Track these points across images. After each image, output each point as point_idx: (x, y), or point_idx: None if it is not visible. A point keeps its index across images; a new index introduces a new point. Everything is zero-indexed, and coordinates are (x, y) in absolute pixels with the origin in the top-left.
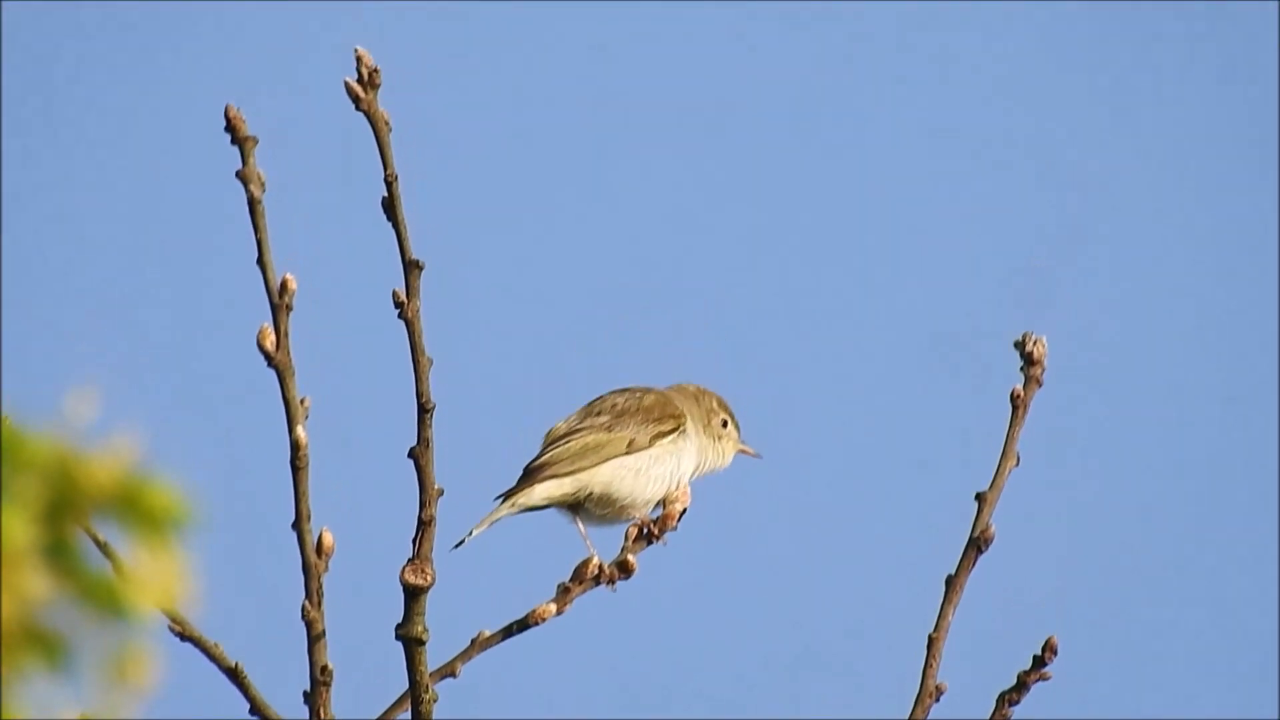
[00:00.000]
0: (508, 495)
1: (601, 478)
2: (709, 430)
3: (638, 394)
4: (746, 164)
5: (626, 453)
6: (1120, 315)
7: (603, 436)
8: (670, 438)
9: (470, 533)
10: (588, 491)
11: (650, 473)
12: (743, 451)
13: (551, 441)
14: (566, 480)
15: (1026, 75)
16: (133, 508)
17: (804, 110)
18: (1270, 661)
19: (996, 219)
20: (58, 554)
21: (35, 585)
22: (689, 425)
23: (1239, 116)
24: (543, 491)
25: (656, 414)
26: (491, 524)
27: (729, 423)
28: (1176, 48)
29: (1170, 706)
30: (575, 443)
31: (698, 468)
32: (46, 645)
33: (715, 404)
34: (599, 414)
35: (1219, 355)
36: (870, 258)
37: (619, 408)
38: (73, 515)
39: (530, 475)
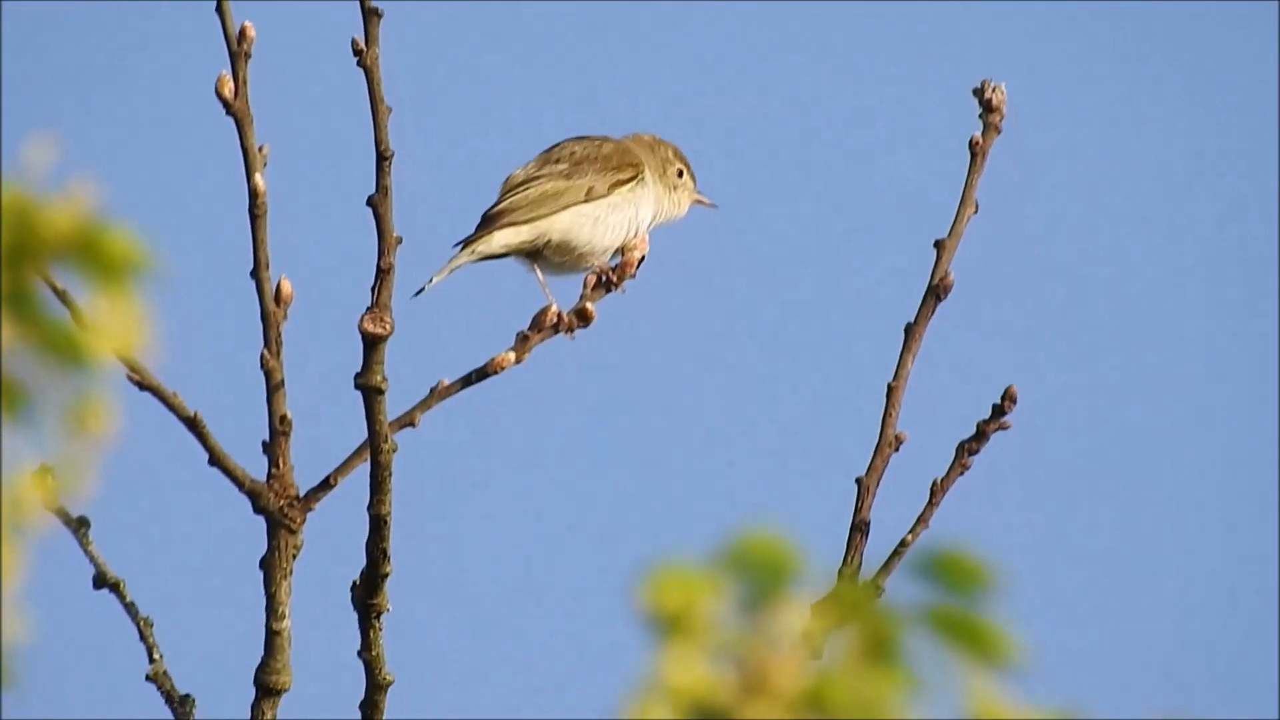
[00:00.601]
0: (466, 243)
1: (560, 225)
2: (665, 179)
3: (596, 142)
4: None
5: (585, 200)
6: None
7: (561, 184)
8: (628, 186)
9: (430, 280)
10: (546, 239)
11: (608, 220)
12: (698, 202)
13: (509, 189)
14: (525, 228)
15: (1027, 75)
16: (91, 255)
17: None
18: (1270, 661)
19: None
20: (17, 302)
21: None
22: (647, 174)
23: (1239, 116)
24: (501, 239)
25: (615, 162)
26: (451, 272)
27: (684, 172)
28: (1176, 47)
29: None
30: (533, 190)
31: (655, 216)
32: (6, 394)
33: (671, 153)
34: (557, 161)
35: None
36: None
37: (577, 155)
38: (31, 263)
39: (488, 222)
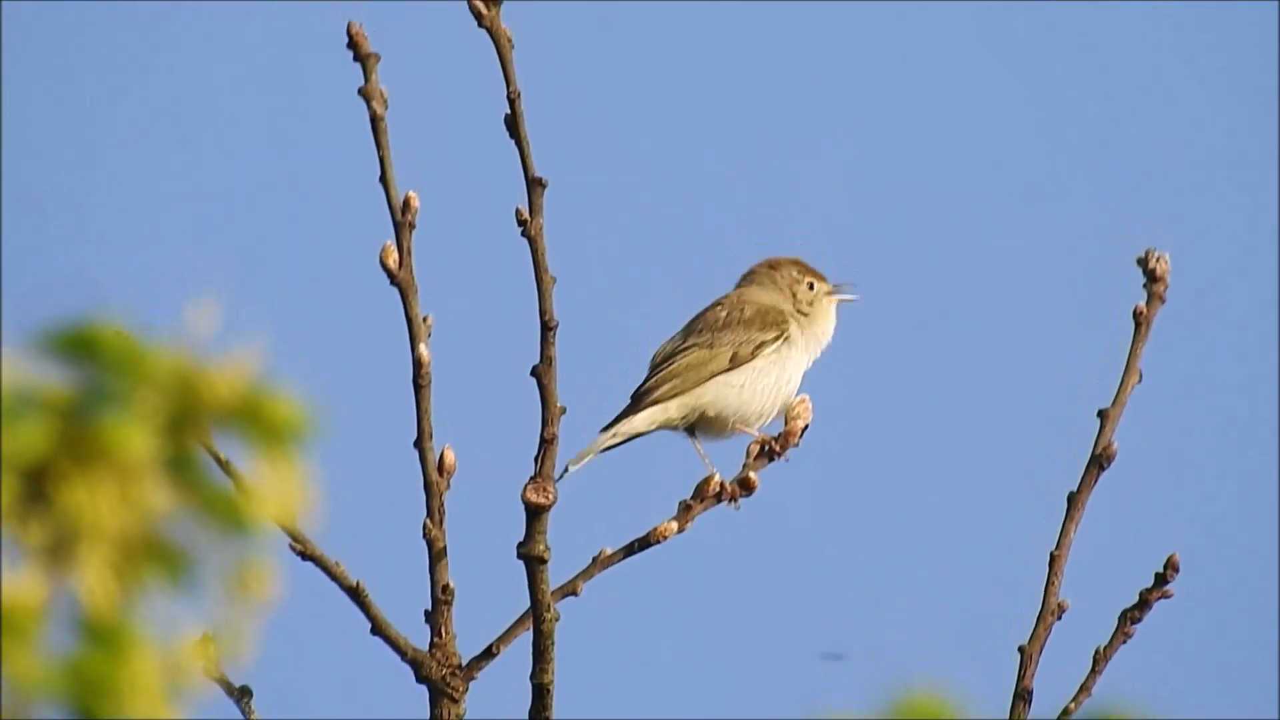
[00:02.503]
0: (614, 422)
1: (706, 399)
2: (800, 301)
3: (739, 307)
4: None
5: (730, 368)
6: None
7: (704, 354)
8: (773, 347)
9: (566, 468)
10: (695, 414)
11: (755, 386)
12: (840, 299)
13: (656, 365)
14: (672, 404)
15: (1027, 74)
16: (254, 421)
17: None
18: (1270, 661)
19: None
20: (179, 467)
21: (157, 498)
22: (792, 329)
23: (1239, 117)
24: (645, 418)
25: (759, 324)
26: (595, 455)
27: (814, 282)
28: (1177, 47)
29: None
30: (680, 362)
31: (809, 361)
32: (168, 560)
33: (795, 272)
34: (701, 331)
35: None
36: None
37: (720, 322)
38: (194, 428)
39: (636, 401)
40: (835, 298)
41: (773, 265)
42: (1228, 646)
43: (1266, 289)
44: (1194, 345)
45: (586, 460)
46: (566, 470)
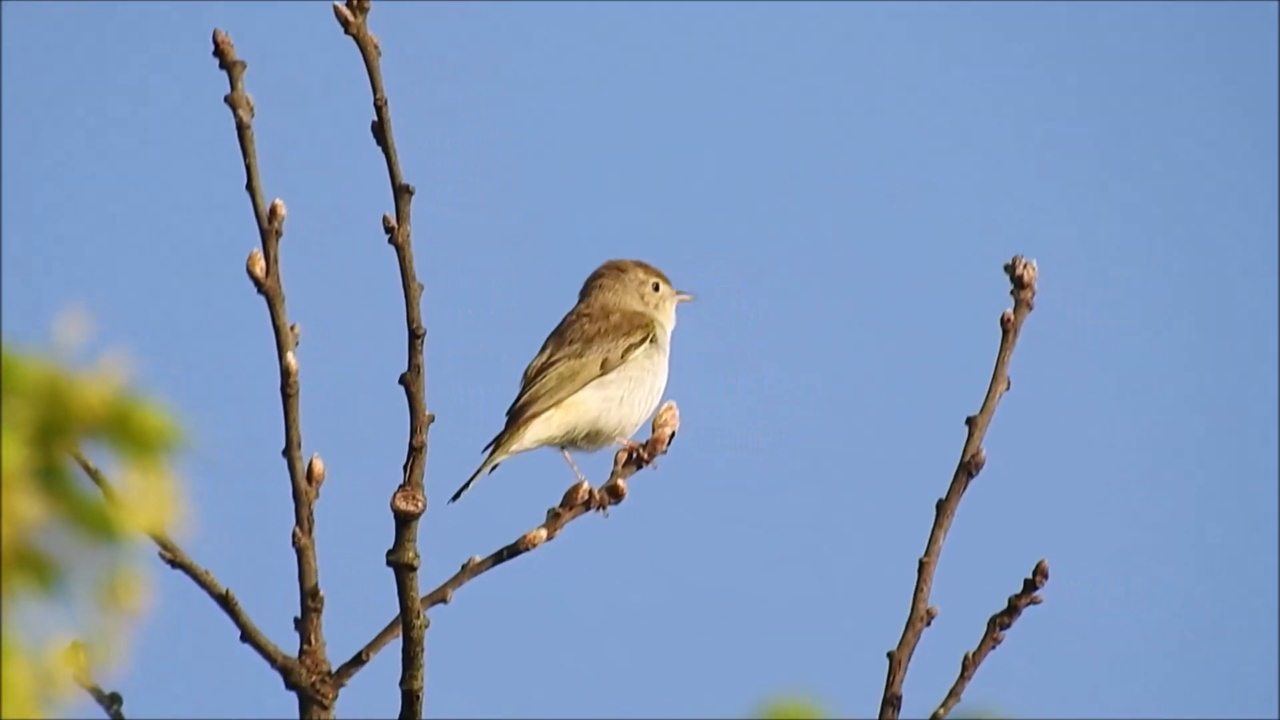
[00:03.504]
0: (497, 442)
1: (589, 415)
2: (648, 304)
3: (604, 316)
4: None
5: (601, 373)
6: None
7: (575, 364)
8: (641, 349)
9: (466, 485)
10: (577, 431)
11: (633, 398)
12: (681, 300)
13: (529, 379)
14: (555, 421)
15: (1029, 74)
16: (123, 431)
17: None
18: (1270, 661)
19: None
20: (49, 478)
21: (27, 509)
22: (657, 331)
23: (1239, 117)
24: (532, 434)
25: (625, 329)
26: (490, 471)
27: (660, 284)
28: (1176, 47)
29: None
30: (551, 376)
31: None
32: (38, 569)
33: (641, 275)
34: (571, 341)
35: (1215, 358)
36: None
37: (588, 332)
38: (63, 439)
39: (515, 417)
40: (678, 297)
41: (620, 269)
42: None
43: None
44: (1058, 349)
45: (479, 479)
46: (461, 493)
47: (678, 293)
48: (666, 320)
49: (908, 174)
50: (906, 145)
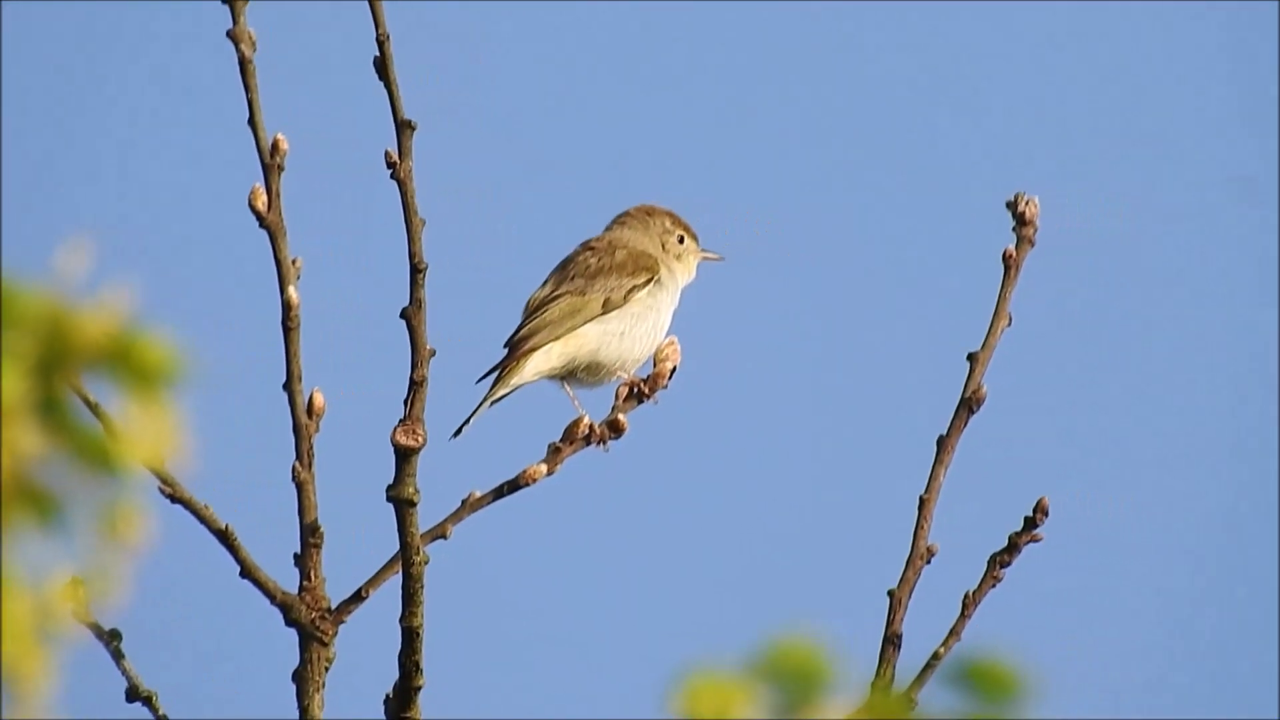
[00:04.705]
0: (498, 373)
1: (589, 346)
2: (669, 251)
3: (610, 251)
4: None
5: (603, 312)
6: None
7: (577, 301)
8: (645, 290)
9: (468, 420)
10: (576, 362)
11: (634, 333)
12: (705, 258)
13: (530, 312)
14: (554, 352)
15: (1030, 73)
16: (124, 364)
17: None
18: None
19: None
20: (49, 410)
21: (27, 441)
22: (662, 272)
23: (1239, 117)
24: (532, 366)
25: (630, 269)
26: (490, 405)
27: (685, 237)
28: (1176, 47)
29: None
30: (552, 310)
31: (676, 305)
32: (38, 502)
33: (668, 223)
34: (573, 277)
35: (1219, 299)
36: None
37: (592, 268)
38: (64, 371)
39: (514, 349)
40: (702, 255)
41: (648, 212)
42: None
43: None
44: (1061, 288)
45: (480, 413)
46: (462, 428)
47: (703, 250)
48: (683, 272)
49: (909, 110)
50: (908, 79)
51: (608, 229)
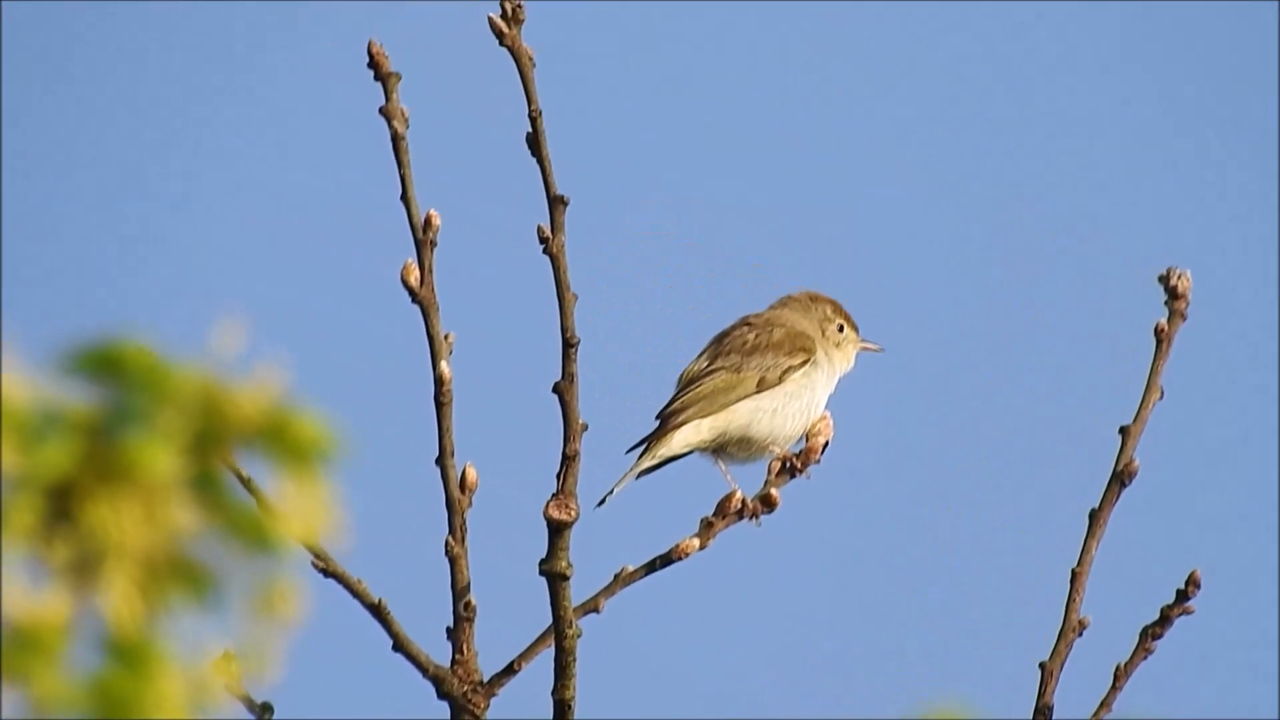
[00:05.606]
0: (646, 445)
1: (739, 421)
2: (828, 338)
3: (768, 329)
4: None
5: (757, 391)
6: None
7: (733, 378)
8: (801, 370)
9: (612, 490)
10: (727, 437)
11: (786, 410)
12: (865, 349)
13: (684, 385)
14: (705, 425)
15: (1029, 72)
16: (279, 440)
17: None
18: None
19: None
20: (203, 486)
21: (182, 517)
22: (819, 355)
23: (1239, 116)
24: (681, 439)
25: (786, 348)
26: (636, 477)
27: (845, 326)
28: (1176, 46)
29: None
30: (706, 385)
31: (832, 389)
32: (192, 578)
33: (829, 311)
34: (729, 353)
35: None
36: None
37: (749, 345)
38: (218, 447)
39: (665, 422)
40: (862, 345)
41: (812, 298)
42: (1234, 653)
43: (1269, 298)
44: (1203, 358)
45: (625, 483)
46: (607, 497)
47: (863, 341)
48: (841, 360)
49: (1061, 178)
50: (1061, 149)
51: (770, 307)
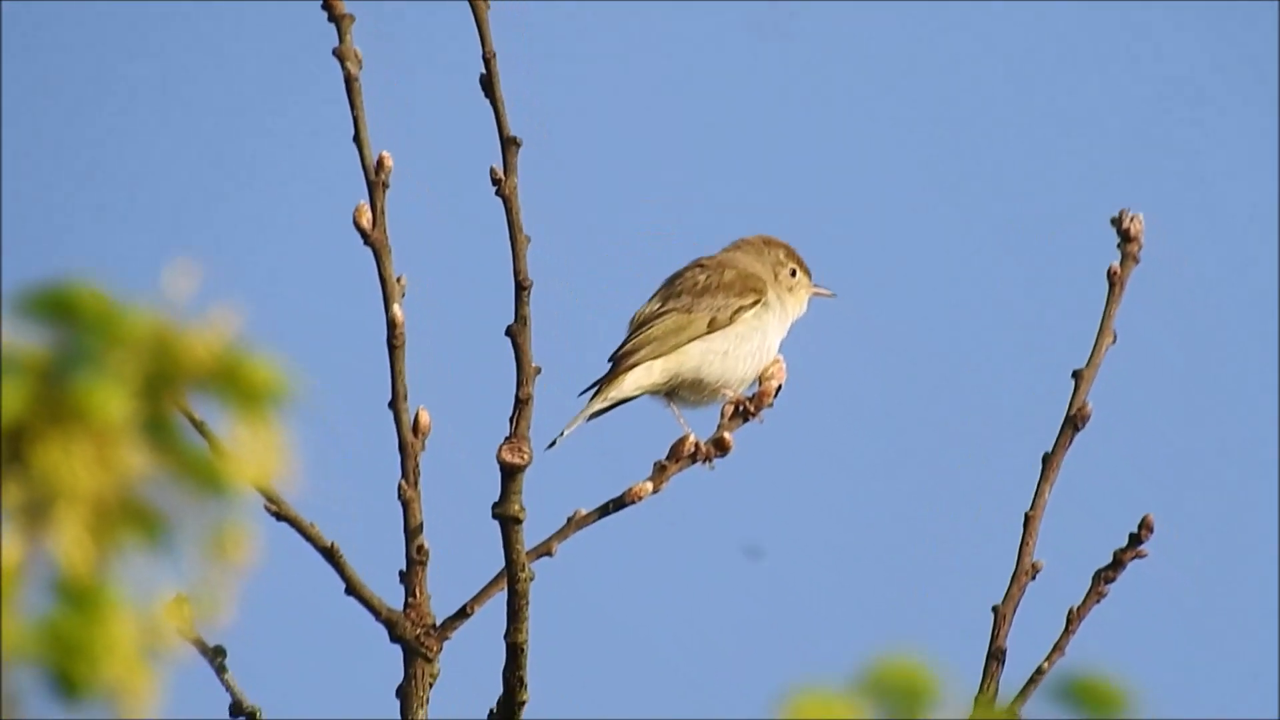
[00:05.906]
0: (598, 388)
1: (691, 363)
2: (780, 283)
3: (719, 270)
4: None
5: (708, 332)
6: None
7: (683, 319)
8: (752, 311)
9: (562, 432)
10: (679, 379)
11: (738, 353)
12: (817, 294)
13: (636, 327)
14: (656, 367)
15: (1030, 72)
16: (231, 383)
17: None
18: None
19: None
20: (155, 430)
21: (133, 460)
22: (770, 294)
23: (1238, 116)
24: (633, 381)
25: (737, 289)
26: (586, 419)
27: (798, 270)
28: (1176, 46)
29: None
30: (657, 327)
31: (785, 332)
32: (144, 521)
33: (782, 255)
34: (680, 294)
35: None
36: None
37: (699, 285)
38: (170, 391)
39: (617, 364)
40: (814, 290)
41: (766, 241)
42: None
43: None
44: (1204, 358)
45: (575, 426)
46: (557, 440)
47: (816, 286)
48: (794, 305)
49: (1014, 127)
50: (1009, 94)
51: (724, 250)
